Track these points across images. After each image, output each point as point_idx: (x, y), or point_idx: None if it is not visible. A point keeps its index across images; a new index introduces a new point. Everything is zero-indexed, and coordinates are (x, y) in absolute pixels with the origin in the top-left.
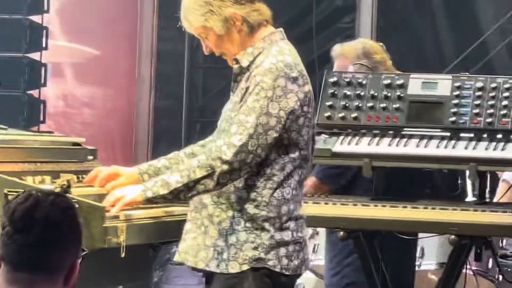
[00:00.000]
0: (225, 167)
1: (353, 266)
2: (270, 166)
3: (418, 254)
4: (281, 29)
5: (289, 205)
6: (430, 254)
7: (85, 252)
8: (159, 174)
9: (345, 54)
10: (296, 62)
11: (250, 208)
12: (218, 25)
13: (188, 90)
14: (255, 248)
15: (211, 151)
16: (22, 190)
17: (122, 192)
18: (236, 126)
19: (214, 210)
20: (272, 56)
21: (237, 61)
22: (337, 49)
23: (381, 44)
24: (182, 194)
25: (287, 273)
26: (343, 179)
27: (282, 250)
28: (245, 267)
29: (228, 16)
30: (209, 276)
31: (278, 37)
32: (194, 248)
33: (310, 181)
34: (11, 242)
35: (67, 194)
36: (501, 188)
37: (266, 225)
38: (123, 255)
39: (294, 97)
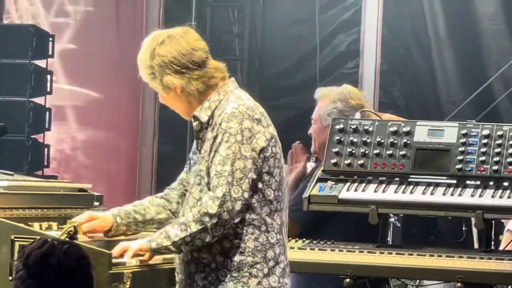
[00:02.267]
0: (214, 220)
1: None
2: (248, 211)
3: None
4: (233, 78)
5: (274, 249)
6: None
7: None
8: (129, 217)
9: (322, 98)
10: (256, 105)
11: (235, 257)
12: (159, 88)
13: (192, 135)
14: None
15: (200, 205)
16: (29, 236)
17: (127, 243)
18: (216, 178)
19: (197, 267)
20: (232, 102)
21: (195, 118)
22: (317, 92)
23: (363, 93)
24: (183, 247)
25: None
26: (311, 218)
27: None
28: None
29: (166, 84)
30: None
31: (232, 87)
32: None
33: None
34: (23, 287)
35: (75, 241)
36: (506, 237)
37: (253, 271)
38: None
39: (262, 137)
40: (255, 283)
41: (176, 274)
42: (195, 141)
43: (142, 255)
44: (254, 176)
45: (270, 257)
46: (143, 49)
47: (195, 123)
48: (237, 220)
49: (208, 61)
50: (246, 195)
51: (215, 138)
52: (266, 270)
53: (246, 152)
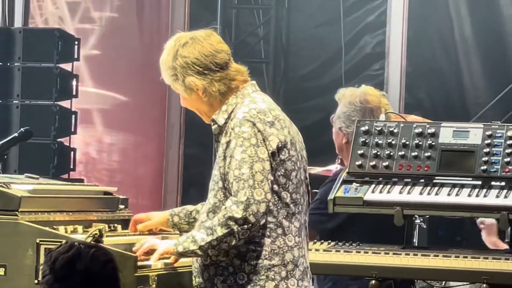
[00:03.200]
0: (240, 224)
1: None
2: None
3: None
4: (253, 81)
5: (293, 252)
6: None
7: None
8: (190, 217)
9: (340, 99)
10: (270, 108)
11: (251, 260)
12: (182, 89)
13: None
14: None
15: (224, 210)
16: (54, 240)
17: (155, 242)
18: (236, 182)
19: (216, 270)
20: (244, 106)
21: (214, 122)
22: (338, 93)
23: (383, 93)
24: (209, 251)
25: None
26: (331, 224)
27: None
28: None
29: (188, 84)
30: None
31: (250, 90)
32: None
33: None
34: None
35: (101, 244)
36: None
37: (271, 274)
38: None
39: (275, 139)
40: (272, 286)
41: (193, 278)
42: (215, 144)
43: (168, 258)
44: (272, 178)
45: (289, 260)
46: (166, 51)
47: (214, 127)
48: (262, 222)
49: (230, 63)
50: (268, 196)
51: (228, 143)
52: (284, 273)
53: (263, 154)
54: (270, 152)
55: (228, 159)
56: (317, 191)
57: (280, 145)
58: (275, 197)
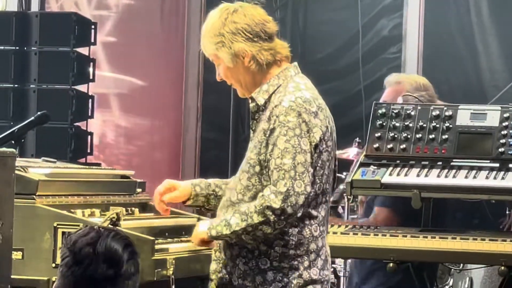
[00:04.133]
0: (278, 214)
1: None
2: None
3: (466, 285)
4: (295, 63)
5: (317, 242)
6: (479, 285)
7: None
8: (209, 189)
9: (402, 82)
10: (314, 96)
11: (277, 248)
12: (227, 57)
13: (234, 121)
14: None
15: (262, 198)
16: (72, 223)
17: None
18: (276, 172)
19: (240, 251)
20: (290, 94)
21: (253, 99)
22: (393, 77)
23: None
24: (243, 236)
25: None
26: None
27: None
28: None
29: (237, 51)
30: None
31: (293, 72)
32: None
33: (381, 213)
34: (69, 274)
35: (118, 228)
36: None
37: (294, 263)
38: (172, 287)
39: (319, 131)
40: (295, 275)
41: (213, 251)
42: (251, 121)
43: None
44: (312, 170)
45: (312, 250)
46: (211, 19)
47: (252, 104)
48: (299, 214)
49: (275, 37)
50: (308, 188)
51: (272, 131)
52: (307, 263)
53: (305, 146)
54: (313, 144)
55: (271, 146)
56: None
57: (321, 137)
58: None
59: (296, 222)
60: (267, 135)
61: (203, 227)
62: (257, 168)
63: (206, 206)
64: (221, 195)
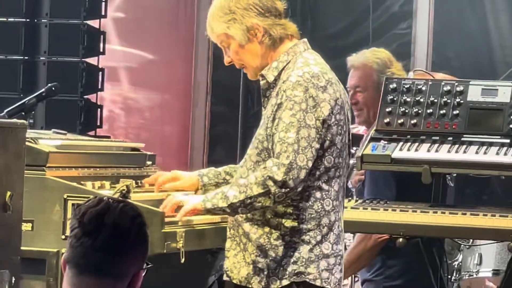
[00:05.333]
0: (279, 186)
1: (397, 268)
2: (306, 178)
3: (476, 261)
4: (305, 39)
5: (329, 216)
6: (488, 261)
7: (149, 266)
8: (219, 177)
9: (368, 64)
10: (323, 71)
11: (288, 222)
12: (239, 33)
13: (244, 96)
14: (295, 262)
15: (264, 169)
16: (82, 195)
17: (183, 198)
18: (279, 144)
19: (251, 228)
20: (298, 69)
21: (263, 77)
22: (357, 59)
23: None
24: (240, 209)
25: (328, 286)
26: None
27: (323, 263)
28: (285, 282)
29: (250, 26)
30: None
31: (302, 48)
32: (236, 266)
33: None
34: (78, 245)
35: (128, 200)
36: None
37: (306, 238)
38: (182, 260)
39: (327, 105)
40: (306, 249)
41: (228, 228)
42: (262, 99)
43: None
44: (317, 146)
45: (325, 224)
46: (218, 0)
47: (262, 82)
48: (299, 189)
49: (283, 15)
50: (310, 164)
51: (279, 105)
52: (319, 237)
53: (310, 121)
54: (321, 119)
55: (276, 120)
56: None
57: (330, 111)
58: (319, 161)
59: (307, 196)
60: (274, 110)
61: (198, 198)
62: (266, 144)
63: None
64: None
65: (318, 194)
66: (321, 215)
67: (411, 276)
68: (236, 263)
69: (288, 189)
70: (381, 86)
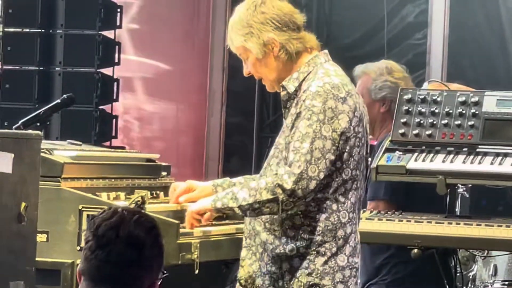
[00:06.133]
0: (288, 195)
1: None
2: (323, 190)
3: (491, 272)
4: (326, 51)
5: (345, 228)
6: (503, 272)
7: (165, 275)
8: None
9: (364, 73)
10: (343, 82)
11: (304, 234)
12: (256, 47)
13: (259, 106)
14: (309, 274)
15: (275, 176)
16: (97, 206)
17: (194, 204)
18: (293, 154)
19: (268, 237)
20: (319, 79)
21: (284, 88)
22: (357, 69)
23: (403, 67)
24: (248, 212)
25: None
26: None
27: (338, 275)
28: None
29: (266, 40)
30: None
31: (323, 59)
32: (251, 275)
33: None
34: (93, 257)
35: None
36: None
37: (321, 250)
38: (196, 271)
39: (346, 117)
40: (321, 261)
41: (244, 238)
42: (283, 110)
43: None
44: (332, 158)
45: (340, 236)
46: (238, 12)
47: (283, 93)
48: (308, 199)
49: (303, 29)
50: (322, 175)
51: (298, 114)
52: (334, 249)
53: (326, 132)
54: (339, 131)
55: (294, 129)
56: None
57: (348, 124)
58: (337, 173)
59: (324, 208)
60: (293, 119)
61: (208, 199)
62: (284, 153)
63: None
64: None
65: (334, 206)
66: (337, 227)
67: (416, 282)
68: (251, 272)
69: (296, 199)
70: (373, 94)
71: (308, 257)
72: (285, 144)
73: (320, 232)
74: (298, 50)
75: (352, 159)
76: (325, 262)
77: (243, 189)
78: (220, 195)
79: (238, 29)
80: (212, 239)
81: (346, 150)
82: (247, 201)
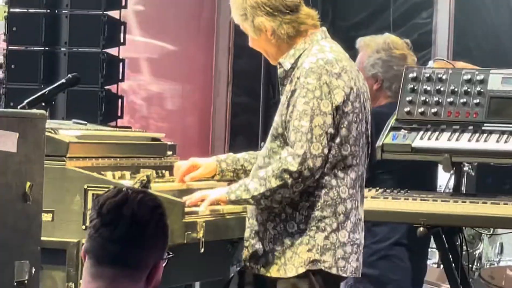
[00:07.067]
0: (295, 177)
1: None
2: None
3: (497, 250)
4: (324, 28)
5: (346, 204)
6: (509, 250)
7: (170, 256)
8: (237, 164)
9: (363, 47)
10: (338, 58)
11: (303, 210)
12: (251, 30)
13: (265, 85)
14: (310, 250)
15: (279, 161)
16: (102, 185)
17: (207, 192)
18: (294, 133)
19: (268, 216)
20: (312, 55)
21: (280, 65)
22: (358, 42)
23: (407, 41)
24: (262, 201)
25: (344, 275)
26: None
27: (339, 252)
28: (301, 270)
29: (257, 25)
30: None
31: (319, 37)
32: (254, 255)
33: None
34: (97, 236)
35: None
36: None
37: (321, 225)
38: (202, 250)
39: (341, 92)
40: (322, 237)
41: (247, 218)
42: (280, 87)
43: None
44: (332, 131)
45: (341, 212)
46: None
47: (279, 70)
48: (317, 176)
49: (301, 7)
50: (326, 151)
51: (293, 92)
52: (335, 225)
53: (325, 108)
54: (334, 105)
55: (291, 108)
56: None
57: (345, 98)
58: (335, 149)
59: (322, 184)
60: (288, 96)
61: (222, 190)
62: (280, 130)
63: (236, 180)
64: (251, 169)
65: (333, 182)
66: (337, 202)
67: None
68: (254, 252)
69: (305, 178)
70: (367, 70)
71: (308, 233)
72: (281, 122)
73: (319, 207)
74: (290, 35)
75: (351, 134)
76: (326, 238)
77: (253, 180)
78: (233, 187)
79: (236, 8)
80: (218, 218)
81: (344, 125)
82: (258, 191)
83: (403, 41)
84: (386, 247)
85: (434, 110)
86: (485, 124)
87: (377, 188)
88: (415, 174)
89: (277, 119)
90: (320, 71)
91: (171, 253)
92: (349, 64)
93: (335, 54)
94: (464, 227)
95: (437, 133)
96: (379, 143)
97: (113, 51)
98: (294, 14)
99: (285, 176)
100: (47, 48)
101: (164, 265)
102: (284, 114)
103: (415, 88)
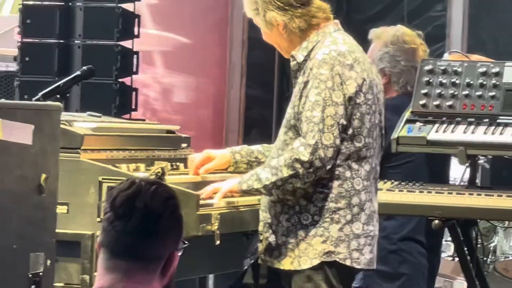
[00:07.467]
0: (306, 168)
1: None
2: (335, 157)
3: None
4: (336, 20)
5: (360, 196)
6: None
7: (185, 245)
8: (251, 156)
9: (375, 39)
10: (350, 50)
11: (317, 201)
12: (263, 24)
13: (279, 78)
14: (324, 242)
15: (291, 151)
16: (116, 178)
17: (220, 184)
18: (306, 124)
19: (282, 208)
20: (325, 47)
21: (293, 58)
22: (371, 33)
23: (419, 33)
24: (273, 190)
25: (358, 266)
26: None
27: (353, 243)
28: (316, 262)
29: (269, 20)
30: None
31: (332, 29)
32: (268, 248)
33: None
34: (111, 229)
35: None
36: None
37: (335, 217)
38: (217, 242)
39: (354, 83)
40: (336, 229)
41: (260, 211)
42: (293, 80)
43: (230, 197)
44: (345, 122)
45: (355, 204)
46: None
47: (292, 63)
48: (329, 167)
49: (313, 0)
50: (337, 141)
51: (305, 83)
52: (349, 217)
53: (337, 98)
54: (347, 96)
55: (304, 99)
56: None
57: (357, 89)
58: (348, 140)
59: (336, 175)
60: (301, 88)
61: (234, 181)
62: (293, 121)
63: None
64: (265, 161)
65: (348, 173)
66: (351, 194)
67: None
68: (268, 245)
69: (316, 169)
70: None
71: (322, 224)
72: (293, 114)
73: (334, 199)
74: (302, 28)
75: (364, 126)
76: (340, 229)
77: (265, 169)
78: (245, 177)
79: (248, 2)
80: (233, 210)
81: (357, 116)
82: (270, 180)
83: (416, 32)
84: (395, 241)
85: (449, 103)
86: (500, 117)
87: (392, 180)
88: (427, 169)
89: (289, 111)
90: (333, 62)
91: (186, 242)
92: (361, 56)
93: (348, 46)
94: (479, 220)
95: (452, 125)
96: (394, 135)
97: (127, 43)
98: (306, 7)
99: (296, 165)
100: (61, 41)
101: (179, 255)
102: (296, 105)
103: (431, 80)
